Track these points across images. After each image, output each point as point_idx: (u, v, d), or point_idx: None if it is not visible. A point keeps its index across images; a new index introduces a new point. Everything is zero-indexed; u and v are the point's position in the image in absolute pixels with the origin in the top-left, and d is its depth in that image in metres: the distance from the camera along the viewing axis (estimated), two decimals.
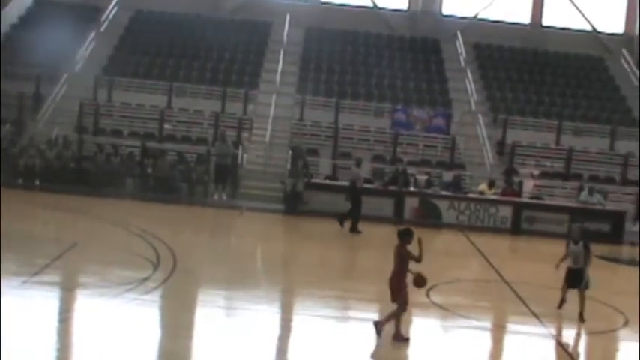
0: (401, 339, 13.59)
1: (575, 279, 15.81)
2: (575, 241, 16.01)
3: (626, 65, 40.15)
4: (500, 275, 20.64)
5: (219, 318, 14.90)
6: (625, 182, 33.01)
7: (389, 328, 13.52)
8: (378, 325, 13.55)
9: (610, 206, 30.64)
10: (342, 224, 25.71)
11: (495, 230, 28.72)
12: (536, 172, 32.76)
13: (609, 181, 33.08)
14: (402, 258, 13.44)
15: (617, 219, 29.79)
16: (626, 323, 16.55)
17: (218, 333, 13.55)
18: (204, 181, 30.38)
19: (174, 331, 13.59)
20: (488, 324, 16.77)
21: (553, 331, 15.65)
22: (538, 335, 15.54)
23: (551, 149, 34.26)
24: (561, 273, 16.25)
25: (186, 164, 30.42)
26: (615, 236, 28.91)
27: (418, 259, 13.45)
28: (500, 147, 34.01)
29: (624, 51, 40.63)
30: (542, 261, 23.37)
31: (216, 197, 29.90)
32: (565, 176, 33.01)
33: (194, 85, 34.57)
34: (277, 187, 29.90)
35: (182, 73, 35.46)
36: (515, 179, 31.76)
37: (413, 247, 13.55)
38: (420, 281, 13.56)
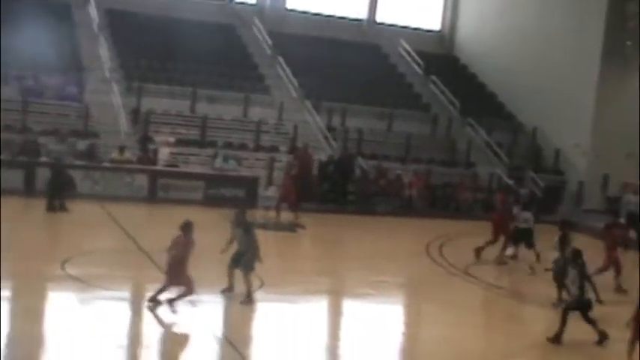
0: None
1: (239, 261, 16.04)
2: (237, 225, 16.18)
3: (258, 34, 41.20)
4: (138, 245, 20.44)
5: None
6: (258, 148, 33.92)
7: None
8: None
9: (244, 172, 31.40)
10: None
11: (132, 199, 28.31)
12: (171, 140, 32.74)
13: (243, 147, 33.81)
14: (184, 247, 15.07)
15: (251, 184, 30.60)
16: (261, 286, 17.10)
17: None
18: None
19: None
20: (126, 294, 16.75)
21: (196, 298, 15.65)
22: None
23: (186, 116, 34.43)
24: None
25: None
26: (250, 201, 29.59)
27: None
28: (134, 115, 33.53)
29: (256, 19, 41.67)
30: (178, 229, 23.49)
31: None
32: (200, 143, 33.29)
33: None
34: None
35: None
36: (151, 147, 31.56)
37: None
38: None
